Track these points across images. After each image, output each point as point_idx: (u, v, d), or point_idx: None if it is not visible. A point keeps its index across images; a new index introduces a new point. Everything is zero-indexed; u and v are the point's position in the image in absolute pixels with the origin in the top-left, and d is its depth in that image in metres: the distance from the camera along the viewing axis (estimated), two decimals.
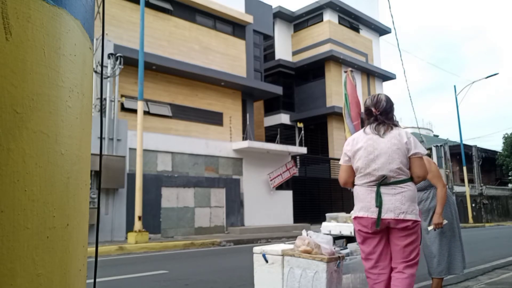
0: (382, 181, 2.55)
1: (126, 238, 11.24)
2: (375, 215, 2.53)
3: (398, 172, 2.54)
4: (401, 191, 2.52)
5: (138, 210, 10.52)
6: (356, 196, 2.67)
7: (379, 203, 2.53)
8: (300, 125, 19.05)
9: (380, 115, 2.68)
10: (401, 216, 2.49)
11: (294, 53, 23.68)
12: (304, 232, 3.38)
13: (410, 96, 12.33)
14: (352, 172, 2.71)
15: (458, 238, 3.61)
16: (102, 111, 1.96)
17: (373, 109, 2.70)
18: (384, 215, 2.52)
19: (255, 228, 14.64)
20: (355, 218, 2.66)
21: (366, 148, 2.61)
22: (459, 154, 26.40)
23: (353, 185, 2.73)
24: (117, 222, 11.74)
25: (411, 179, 2.58)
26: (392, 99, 2.80)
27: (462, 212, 25.30)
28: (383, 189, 2.55)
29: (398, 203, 2.51)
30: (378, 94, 2.79)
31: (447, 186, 3.67)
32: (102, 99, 2.30)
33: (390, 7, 8.27)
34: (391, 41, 55.51)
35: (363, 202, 2.60)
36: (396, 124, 2.70)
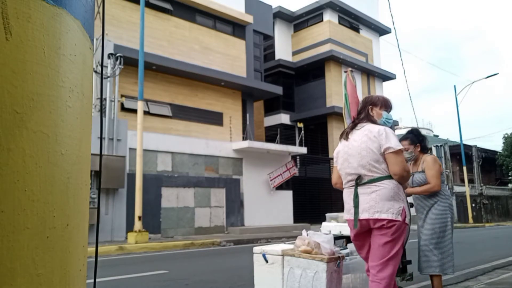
0: (358, 181, 2.56)
1: (126, 238, 11.24)
2: (353, 216, 2.57)
3: (370, 170, 2.52)
4: (375, 189, 2.49)
5: (138, 210, 10.52)
6: (344, 199, 2.77)
7: (355, 204, 2.55)
8: (300, 125, 19.05)
9: (356, 118, 2.80)
10: (376, 216, 2.46)
11: (294, 53, 23.68)
12: (304, 232, 3.38)
13: (410, 96, 12.34)
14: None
15: (450, 240, 3.63)
16: (102, 111, 1.97)
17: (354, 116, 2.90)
18: (361, 216, 2.51)
19: (255, 228, 14.64)
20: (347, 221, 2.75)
21: (343, 149, 2.71)
22: (459, 154, 26.41)
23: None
24: (117, 222, 11.74)
25: (389, 176, 2.52)
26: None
27: (462, 212, 25.31)
28: (360, 189, 2.56)
29: (373, 202, 2.48)
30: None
31: (442, 189, 3.68)
32: (102, 99, 2.30)
33: (390, 7, 8.27)
34: (391, 41, 55.48)
35: (346, 204, 2.69)
36: (372, 121, 2.70)
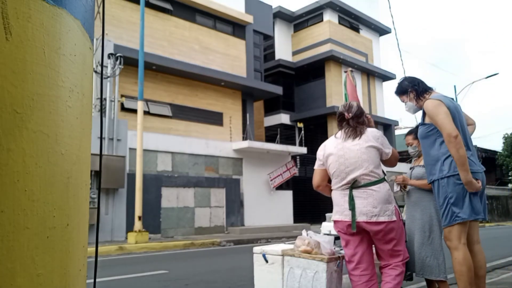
0: (354, 184, 2.64)
1: (126, 238, 11.24)
2: (348, 218, 2.64)
3: (369, 175, 2.63)
4: (372, 193, 2.60)
5: (138, 210, 10.53)
6: (333, 200, 2.81)
7: (352, 206, 2.62)
8: (300, 125, 19.05)
9: (352, 120, 2.80)
10: (374, 219, 2.57)
11: (294, 53, 23.67)
12: (304, 232, 3.37)
13: None
14: (325, 176, 2.87)
15: (440, 243, 3.39)
16: (102, 111, 1.97)
17: (346, 114, 2.82)
18: (358, 218, 2.61)
19: (255, 228, 14.64)
20: (334, 221, 2.81)
21: (336, 153, 2.74)
22: None
23: (327, 188, 2.90)
24: (117, 222, 11.74)
25: (383, 179, 2.67)
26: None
27: None
28: (355, 192, 2.64)
29: (370, 207, 2.58)
30: (350, 102, 2.96)
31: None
32: (102, 99, 2.30)
33: (390, 7, 8.27)
34: (391, 41, 55.51)
35: (338, 206, 2.74)
36: (367, 126, 2.84)
